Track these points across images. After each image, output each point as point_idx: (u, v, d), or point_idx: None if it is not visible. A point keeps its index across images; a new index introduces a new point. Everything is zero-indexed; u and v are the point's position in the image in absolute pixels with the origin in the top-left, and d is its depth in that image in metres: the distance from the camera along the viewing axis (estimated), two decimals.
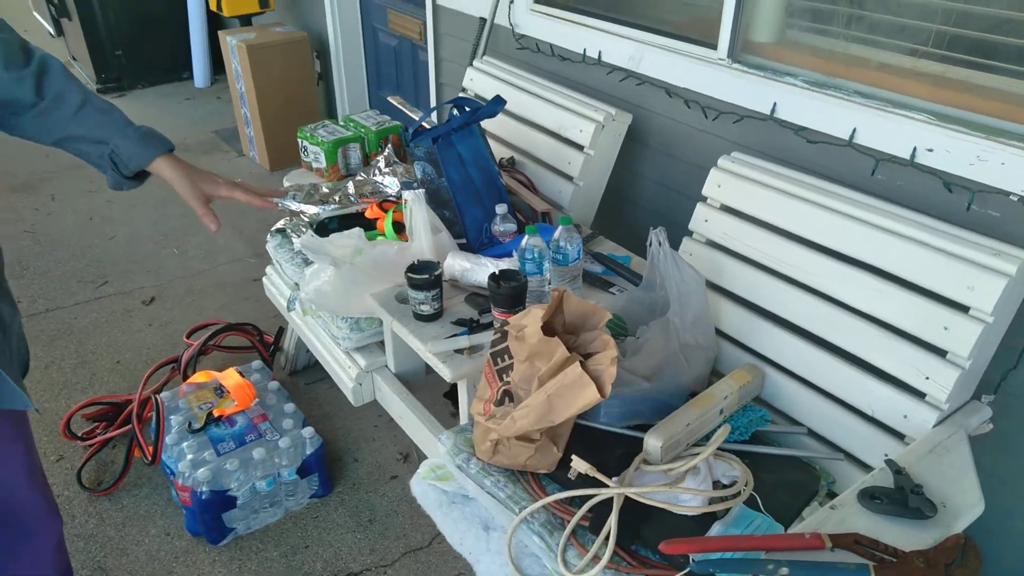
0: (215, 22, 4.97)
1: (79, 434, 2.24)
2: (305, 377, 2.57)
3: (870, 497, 1.12)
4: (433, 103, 3.25)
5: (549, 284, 1.67)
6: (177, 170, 1.25)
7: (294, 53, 3.91)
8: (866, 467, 1.40)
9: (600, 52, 2.24)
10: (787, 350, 1.53)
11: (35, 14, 6.60)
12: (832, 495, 1.40)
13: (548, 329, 1.32)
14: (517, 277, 1.59)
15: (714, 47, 1.90)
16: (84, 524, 2.02)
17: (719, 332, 1.62)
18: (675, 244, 1.57)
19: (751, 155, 1.69)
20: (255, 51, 3.77)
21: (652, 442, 1.30)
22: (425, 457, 1.94)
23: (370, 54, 3.98)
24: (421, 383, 1.99)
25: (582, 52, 2.30)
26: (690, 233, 1.74)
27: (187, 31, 5.07)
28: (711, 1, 1.90)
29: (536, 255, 1.63)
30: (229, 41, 3.88)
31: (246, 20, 4.26)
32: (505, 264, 1.73)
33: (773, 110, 1.77)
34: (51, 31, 6.05)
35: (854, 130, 1.61)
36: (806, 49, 1.76)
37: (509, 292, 1.56)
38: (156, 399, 2.10)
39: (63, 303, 2.97)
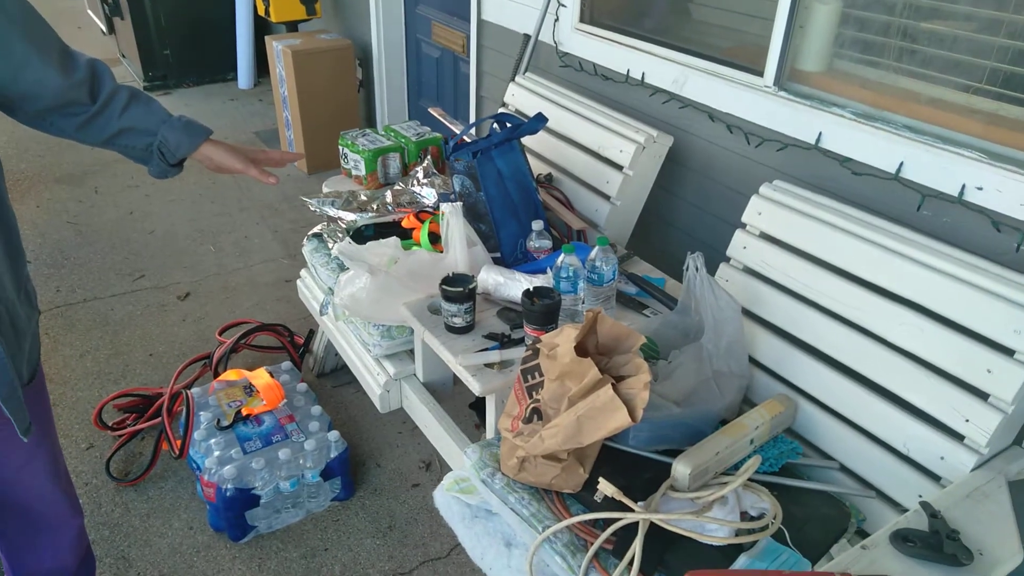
0: (262, 27, 5.07)
1: (110, 424, 2.28)
2: (332, 380, 2.59)
3: (903, 539, 1.10)
4: (473, 115, 3.27)
5: (583, 303, 1.67)
6: (223, 149, 1.36)
7: (338, 60, 3.97)
8: (898, 507, 1.37)
9: (644, 73, 2.24)
10: (821, 382, 1.51)
11: (89, 12, 6.78)
12: (862, 533, 1.38)
13: (581, 349, 1.31)
14: (551, 295, 1.59)
15: (760, 74, 1.89)
16: (110, 513, 2.05)
17: (752, 361, 1.60)
18: (711, 269, 1.56)
19: (794, 184, 1.68)
20: (300, 57, 3.83)
21: (680, 469, 1.29)
22: (448, 467, 1.94)
23: (412, 64, 4.03)
24: (448, 393, 1.99)
25: (625, 73, 2.30)
26: (727, 259, 1.73)
27: (234, 34, 5.18)
28: (759, 29, 1.90)
29: (571, 274, 1.63)
30: (275, 46, 3.95)
31: (292, 26, 4.34)
32: (539, 281, 1.73)
33: (818, 140, 1.76)
34: (103, 29, 6.22)
35: (901, 164, 1.59)
36: (855, 80, 1.74)
37: (542, 309, 1.56)
38: (187, 394, 2.13)
39: (100, 294, 3.03)
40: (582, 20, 2.48)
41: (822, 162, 1.77)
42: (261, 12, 4.37)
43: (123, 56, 5.85)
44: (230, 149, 1.38)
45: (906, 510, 1.32)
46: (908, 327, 1.38)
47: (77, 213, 3.67)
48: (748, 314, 1.63)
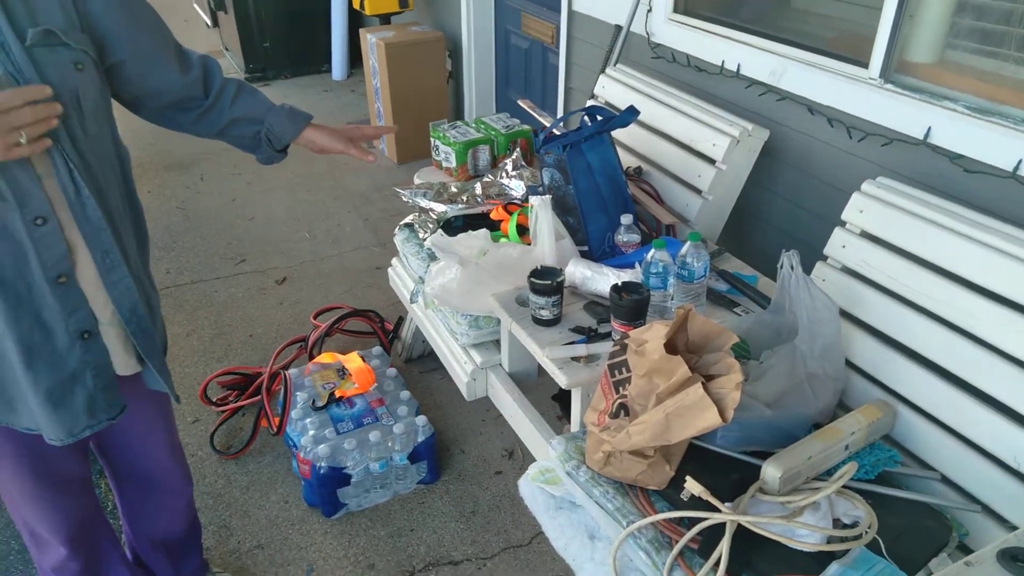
0: (356, 19, 5.22)
1: (214, 400, 2.42)
2: (419, 366, 2.66)
3: (1012, 558, 1.05)
4: (561, 106, 3.27)
5: (672, 300, 1.66)
6: (324, 133, 1.45)
7: (429, 52, 4.04)
8: (1006, 523, 1.31)
9: (739, 65, 2.19)
10: (924, 389, 1.45)
11: (195, 6, 7.14)
12: (964, 549, 1.32)
13: (670, 346, 1.31)
14: (640, 290, 1.58)
15: (865, 65, 1.81)
16: (214, 484, 2.19)
17: (849, 364, 1.55)
18: (806, 267, 1.52)
19: (899, 181, 1.61)
20: (392, 49, 3.93)
21: (771, 472, 1.27)
22: (530, 456, 1.97)
23: (501, 55, 4.05)
24: (532, 384, 2.02)
25: (720, 64, 2.25)
26: (824, 257, 1.67)
27: (329, 27, 5.35)
28: (864, 18, 1.82)
29: (661, 269, 1.62)
30: (369, 39, 4.06)
31: (385, 19, 4.44)
32: (627, 275, 1.73)
33: (927, 135, 1.67)
34: (208, 22, 6.53)
35: (1020, 162, 1.50)
36: (970, 72, 1.65)
37: (631, 305, 1.55)
38: (285, 375, 2.24)
39: (205, 276, 3.22)
40: (676, 10, 2.44)
41: (931, 159, 1.69)
42: (356, 5, 4.50)
43: (226, 49, 6.14)
44: (330, 132, 1.46)
45: (1015, 527, 1.26)
46: (1022, 335, 1.31)
47: (185, 199, 3.90)
48: (845, 315, 1.58)
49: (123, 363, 1.27)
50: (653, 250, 1.63)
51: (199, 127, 1.37)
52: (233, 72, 5.75)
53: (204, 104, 1.34)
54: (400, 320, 2.70)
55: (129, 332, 1.23)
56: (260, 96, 1.40)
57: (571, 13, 3.03)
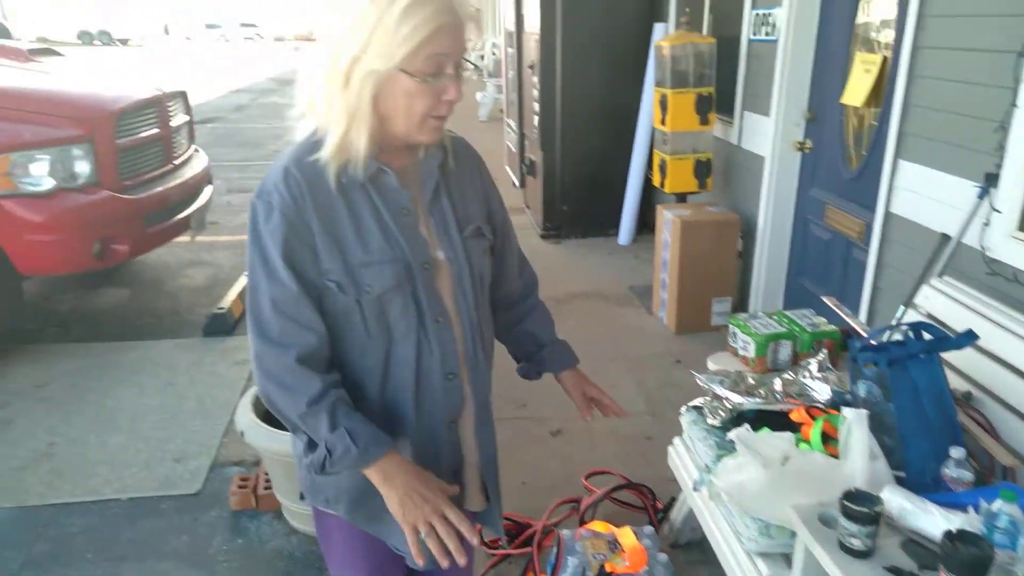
0: (648, 192, 5.58)
1: (487, 541, 2.55)
2: (686, 554, 2.57)
3: None
4: (865, 306, 3.14)
5: (1021, 564, 1.45)
6: (575, 380, 1.66)
7: (722, 232, 4.17)
8: None
9: None
10: None
11: (506, 168, 8.17)
12: None
13: None
14: (980, 544, 1.41)
15: None
16: None
17: None
18: None
19: None
20: (688, 227, 4.12)
21: None
22: None
23: (797, 243, 4.04)
24: None
25: None
26: None
27: (622, 196, 5.78)
28: None
29: (1009, 525, 1.44)
30: (665, 214, 4.31)
31: (682, 197, 4.69)
32: (958, 520, 1.56)
33: None
34: (515, 182, 7.42)
35: None
36: None
37: (971, 560, 1.39)
38: (559, 535, 2.30)
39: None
40: (1022, 228, 2.28)
41: None
42: (656, 183, 4.83)
43: (527, 207, 6.88)
44: (578, 382, 1.66)
45: None
46: None
47: None
48: None
49: (476, 500, 1.50)
50: (1000, 500, 1.46)
51: (498, 319, 1.59)
52: (528, 229, 6.40)
53: (514, 304, 1.60)
54: (672, 501, 2.66)
55: (486, 475, 1.46)
56: (551, 322, 1.65)
57: (887, 214, 2.96)
